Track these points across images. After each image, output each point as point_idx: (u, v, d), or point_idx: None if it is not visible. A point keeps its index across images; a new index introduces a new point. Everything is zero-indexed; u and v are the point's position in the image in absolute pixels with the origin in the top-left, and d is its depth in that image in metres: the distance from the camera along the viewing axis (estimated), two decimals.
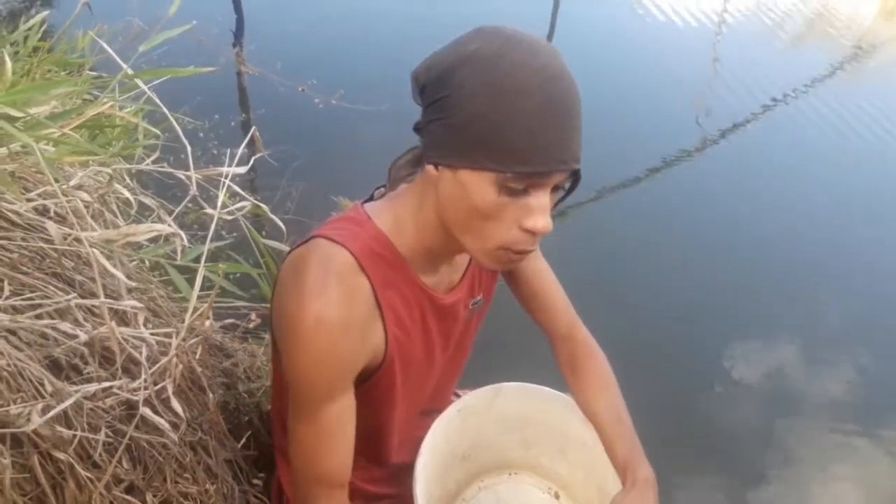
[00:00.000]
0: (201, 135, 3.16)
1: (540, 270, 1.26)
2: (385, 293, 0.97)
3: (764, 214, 3.71)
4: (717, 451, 2.46)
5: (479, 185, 0.83)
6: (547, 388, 1.25)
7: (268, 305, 1.87)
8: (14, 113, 1.02)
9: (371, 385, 1.04)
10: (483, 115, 0.81)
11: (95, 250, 0.85)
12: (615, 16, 6.35)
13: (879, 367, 2.86)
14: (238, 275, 1.62)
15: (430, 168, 0.89)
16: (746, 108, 4.75)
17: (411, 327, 1.04)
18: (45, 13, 1.95)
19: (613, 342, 1.33)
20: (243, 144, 1.21)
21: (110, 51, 1.30)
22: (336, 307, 0.89)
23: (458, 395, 1.34)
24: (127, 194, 1.43)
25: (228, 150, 1.23)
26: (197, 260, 1.09)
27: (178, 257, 1.11)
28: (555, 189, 0.87)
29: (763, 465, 2.43)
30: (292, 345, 0.91)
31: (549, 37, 5.57)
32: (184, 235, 1.11)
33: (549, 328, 1.28)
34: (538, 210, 0.84)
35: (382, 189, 1.07)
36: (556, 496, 1.29)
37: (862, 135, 4.67)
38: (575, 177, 0.88)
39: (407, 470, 1.11)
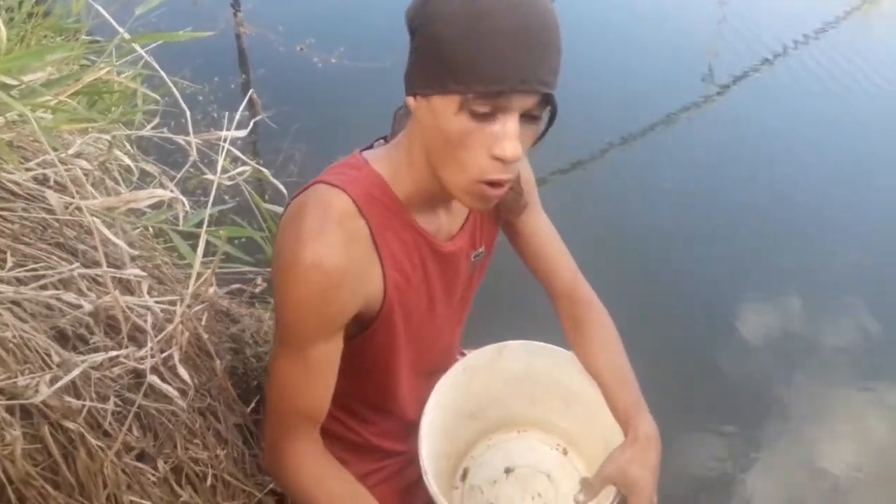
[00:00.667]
0: (200, 98, 3.13)
1: (542, 227, 1.26)
2: (384, 237, 0.97)
3: (775, 167, 3.65)
4: (722, 405, 2.46)
5: (447, 111, 0.84)
6: (550, 345, 1.25)
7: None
8: (9, 81, 1.01)
9: (373, 332, 1.04)
10: (449, 38, 0.82)
11: (96, 219, 0.85)
12: None
13: (887, 321, 2.85)
14: (243, 239, 1.61)
15: (409, 100, 0.90)
16: (756, 56, 4.65)
17: (411, 273, 1.03)
18: None
19: (618, 297, 1.33)
20: (241, 107, 1.20)
21: (106, 15, 1.28)
22: (334, 251, 0.90)
23: (463, 354, 1.35)
24: (128, 161, 1.41)
25: (227, 114, 1.22)
26: (199, 225, 1.08)
27: (181, 223, 1.10)
28: (529, 118, 0.86)
29: (768, 419, 2.43)
30: (286, 283, 0.92)
31: None
32: (185, 201, 1.10)
33: (550, 286, 1.28)
34: (505, 135, 0.83)
35: (382, 141, 1.07)
36: (565, 452, 1.30)
37: (874, 83, 4.57)
38: (550, 105, 0.87)
39: (418, 427, 1.12)
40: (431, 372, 1.23)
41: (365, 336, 1.04)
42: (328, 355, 0.98)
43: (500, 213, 1.17)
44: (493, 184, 0.88)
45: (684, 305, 2.80)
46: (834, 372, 2.63)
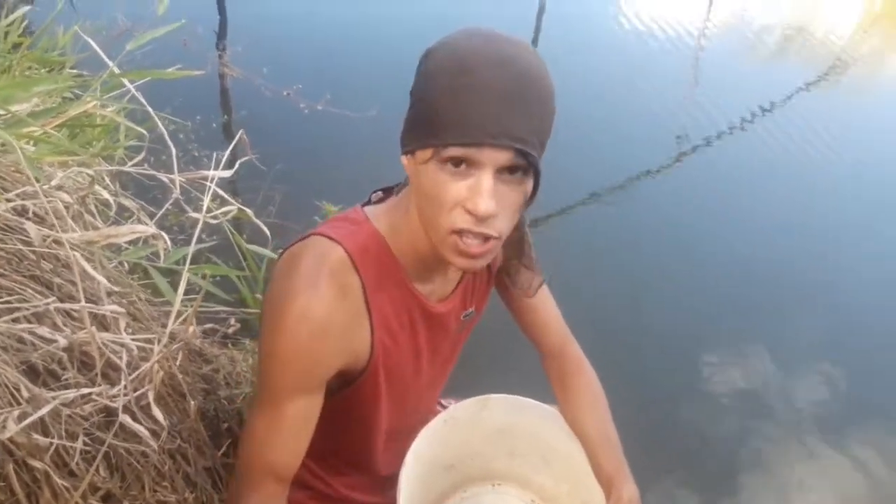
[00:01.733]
0: (182, 136, 3.12)
1: None
2: (375, 295, 0.96)
3: (742, 228, 3.74)
4: (694, 460, 2.46)
5: (426, 165, 0.85)
6: (534, 401, 1.24)
7: (248, 310, 1.85)
8: None
9: (355, 389, 1.03)
10: (434, 94, 0.83)
11: (76, 252, 0.83)
12: (599, 27, 6.40)
13: (851, 378, 2.88)
14: (218, 278, 1.59)
15: (402, 159, 0.91)
16: (727, 121, 4.79)
17: (399, 332, 1.02)
18: (25, 9, 1.92)
19: (591, 355, 1.33)
20: (231, 147, 1.20)
21: (96, 47, 1.28)
22: (324, 303, 0.89)
23: (443, 406, 1.33)
24: (107, 196, 1.40)
25: (214, 154, 1.21)
26: (180, 262, 1.07)
27: (161, 259, 1.08)
28: (511, 179, 0.84)
29: (738, 475, 2.44)
30: (273, 332, 0.90)
31: (535, 40, 5.62)
32: (167, 237, 1.09)
33: (540, 343, 1.28)
34: (478, 191, 0.82)
35: (380, 193, 1.07)
36: None
37: (838, 149, 4.72)
38: (532, 166, 0.85)
39: (392, 479, 1.10)
40: (410, 432, 1.22)
41: (347, 392, 1.03)
42: (306, 411, 0.96)
43: (493, 272, 1.18)
44: (465, 234, 0.86)
45: (652, 360, 2.81)
46: (799, 428, 2.65)
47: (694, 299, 3.21)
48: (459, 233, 0.86)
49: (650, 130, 4.55)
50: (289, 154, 3.22)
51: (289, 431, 0.96)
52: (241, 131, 1.33)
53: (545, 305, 1.26)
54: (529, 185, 0.87)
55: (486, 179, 0.82)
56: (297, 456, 0.99)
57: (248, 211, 1.35)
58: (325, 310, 0.89)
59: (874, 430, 2.66)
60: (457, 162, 0.82)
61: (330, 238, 0.94)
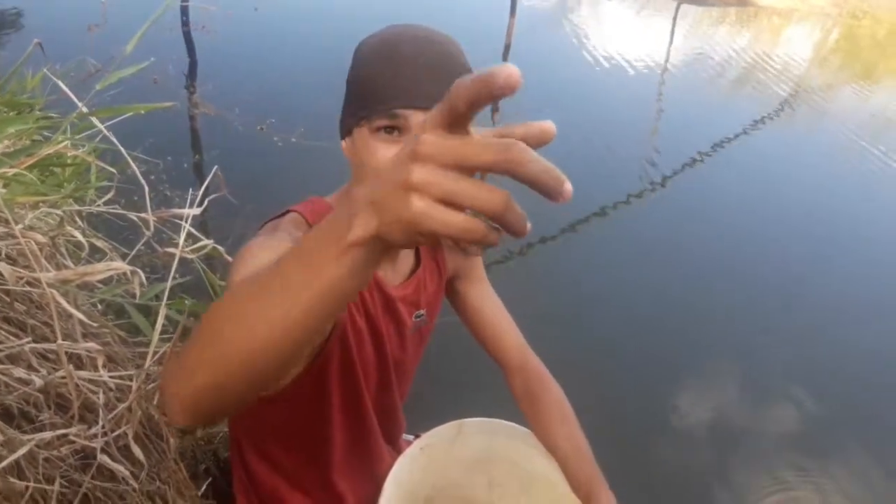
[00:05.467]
0: (153, 177, 3.11)
1: (487, 297, 1.28)
2: None
3: (709, 257, 3.79)
4: (665, 491, 2.46)
5: (361, 138, 0.91)
6: (509, 423, 1.24)
7: None
8: None
9: (312, 370, 0.97)
10: (361, 74, 0.91)
11: (54, 290, 0.83)
12: (565, 62, 6.53)
13: (824, 406, 2.91)
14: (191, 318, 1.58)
15: (342, 144, 0.97)
16: (689, 152, 4.89)
17: (354, 310, 1.02)
18: None
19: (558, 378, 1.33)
20: (205, 185, 1.20)
21: (65, 88, 1.28)
22: (283, 239, 0.88)
23: (417, 436, 1.33)
24: (79, 236, 1.39)
25: (189, 192, 1.21)
26: (156, 298, 1.06)
27: (137, 296, 1.08)
28: None
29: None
30: (235, 260, 0.86)
31: None
32: (142, 275, 1.08)
33: (500, 358, 1.29)
34: None
35: None
36: None
37: (796, 178, 4.85)
38: None
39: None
40: (388, 436, 1.21)
41: (322, 367, 0.99)
42: None
43: (443, 276, 1.19)
44: None
45: (622, 390, 2.81)
46: (770, 457, 2.65)
47: (663, 328, 3.23)
48: None
49: (617, 162, 4.63)
50: (262, 190, 3.21)
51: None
52: (215, 167, 1.33)
53: (501, 319, 1.28)
54: None
55: None
56: None
57: (220, 248, 1.35)
58: (284, 243, 0.86)
59: (849, 459, 2.67)
60: (389, 129, 0.88)
61: (282, 214, 0.99)
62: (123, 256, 1.72)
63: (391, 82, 0.87)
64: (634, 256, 3.72)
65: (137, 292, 1.02)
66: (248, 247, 0.88)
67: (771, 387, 2.97)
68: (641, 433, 2.65)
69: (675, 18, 8.81)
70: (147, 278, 1.79)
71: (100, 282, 1.22)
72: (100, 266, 0.94)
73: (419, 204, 0.44)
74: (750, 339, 3.23)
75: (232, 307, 0.56)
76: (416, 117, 0.87)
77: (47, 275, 0.88)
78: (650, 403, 2.81)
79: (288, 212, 1.00)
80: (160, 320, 0.94)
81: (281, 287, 0.52)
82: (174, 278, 1.81)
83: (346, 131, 0.95)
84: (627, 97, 5.86)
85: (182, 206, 1.24)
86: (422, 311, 1.16)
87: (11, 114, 2.00)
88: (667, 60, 7.02)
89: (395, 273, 1.10)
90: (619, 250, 3.76)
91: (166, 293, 0.97)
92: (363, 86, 0.90)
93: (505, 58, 6.06)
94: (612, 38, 7.52)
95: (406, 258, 1.12)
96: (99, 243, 1.66)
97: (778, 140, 5.49)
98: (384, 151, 0.88)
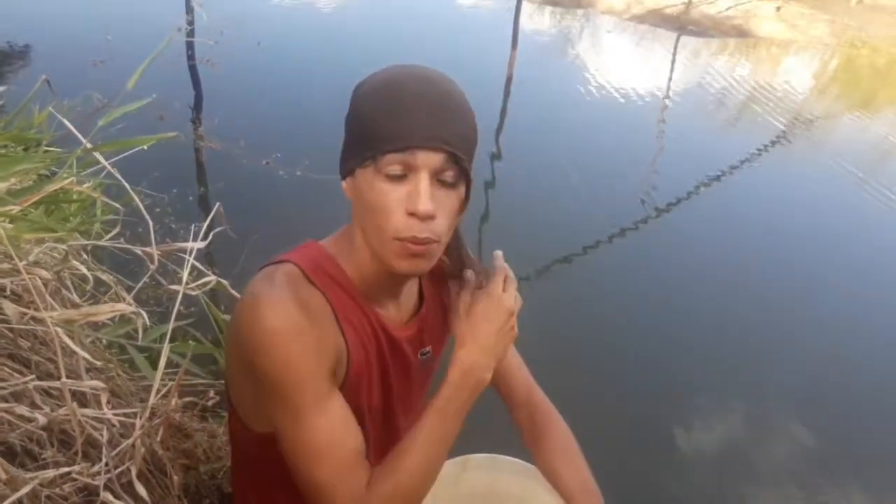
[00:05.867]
0: (158, 210, 3.11)
1: None
2: (339, 305, 0.96)
3: (712, 283, 3.80)
4: None
5: (366, 179, 0.90)
6: (514, 459, 1.23)
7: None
8: None
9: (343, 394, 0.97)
10: (365, 115, 0.90)
11: (58, 329, 0.83)
12: (567, 92, 6.59)
13: (834, 429, 2.90)
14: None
15: (342, 184, 0.95)
16: (690, 181, 4.92)
17: (368, 344, 1.00)
18: (1, 89, 1.94)
19: (564, 410, 1.33)
20: (208, 219, 1.21)
21: (69, 125, 1.30)
22: (287, 298, 0.89)
23: None
24: (84, 270, 1.40)
25: (193, 226, 1.23)
26: (159, 340, 1.07)
27: (140, 338, 1.08)
28: (445, 184, 0.90)
29: None
30: (260, 355, 0.88)
31: (502, 112, 5.77)
32: (145, 315, 1.09)
33: (505, 393, 1.27)
34: (417, 192, 0.88)
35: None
36: None
37: (799, 204, 4.86)
38: (464, 172, 0.91)
39: None
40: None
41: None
42: (343, 404, 0.93)
43: (447, 312, 1.18)
44: (413, 241, 0.89)
45: (625, 418, 2.80)
46: (775, 484, 2.64)
47: (668, 355, 3.22)
48: (402, 239, 0.90)
49: (618, 190, 4.66)
50: (267, 223, 3.23)
51: (347, 421, 0.93)
52: (217, 204, 1.34)
53: (507, 355, 1.26)
54: (463, 191, 0.93)
55: (423, 181, 0.88)
56: (359, 430, 0.95)
57: (225, 282, 1.35)
58: (288, 304, 0.88)
59: (859, 483, 2.66)
60: (395, 169, 0.88)
61: (277, 262, 0.95)
62: (128, 289, 1.72)
63: (398, 123, 0.88)
64: (637, 282, 3.73)
65: (140, 334, 1.02)
66: (286, 353, 0.88)
67: (778, 410, 2.98)
68: (647, 458, 2.63)
69: (675, 49, 8.90)
70: (153, 312, 1.80)
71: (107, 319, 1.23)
72: (105, 307, 0.95)
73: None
74: (754, 361, 3.23)
75: (429, 463, 0.96)
76: (423, 158, 0.88)
77: (51, 314, 0.89)
78: (656, 428, 2.80)
79: (282, 261, 0.96)
80: (162, 363, 0.94)
81: (449, 436, 0.96)
82: (179, 312, 1.82)
83: (347, 171, 0.94)
84: (628, 126, 5.91)
85: (187, 239, 1.24)
86: (427, 349, 1.15)
87: (19, 149, 2.03)
88: (667, 90, 7.08)
89: (400, 313, 1.08)
90: (619, 277, 3.78)
91: (168, 335, 0.97)
92: (368, 127, 0.90)
93: (507, 89, 6.13)
94: (613, 68, 7.60)
95: (410, 297, 1.11)
96: (104, 277, 1.67)
97: (776, 169, 5.52)
98: (392, 193, 0.88)
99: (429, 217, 0.88)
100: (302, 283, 0.94)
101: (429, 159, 0.88)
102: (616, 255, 3.99)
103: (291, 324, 0.88)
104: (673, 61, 8.37)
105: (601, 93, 6.57)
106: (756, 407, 2.98)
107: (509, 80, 6.18)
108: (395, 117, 0.87)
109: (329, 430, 0.91)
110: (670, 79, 7.52)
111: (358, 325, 0.99)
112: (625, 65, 8.12)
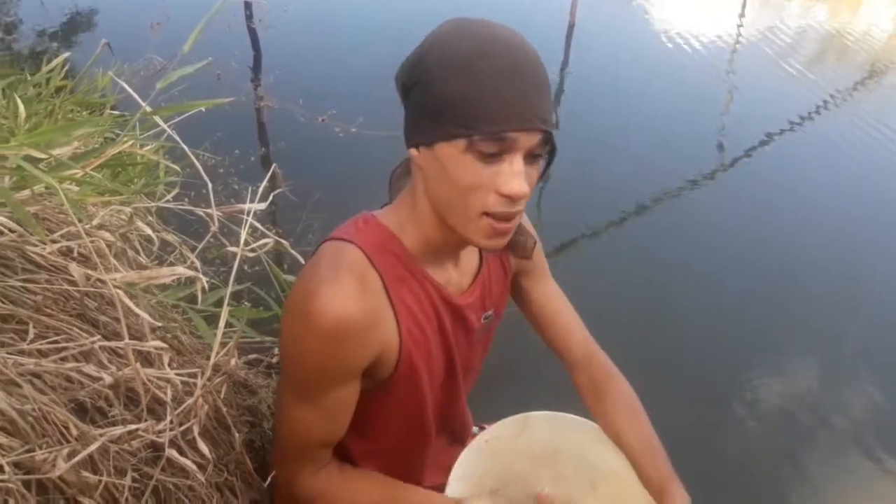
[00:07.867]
0: (221, 170, 3.18)
1: (552, 293, 1.25)
2: (395, 288, 0.97)
3: (785, 238, 3.66)
4: (737, 482, 2.40)
5: (454, 156, 0.86)
6: (576, 416, 1.22)
7: None
8: (37, 154, 1.02)
9: (393, 384, 1.02)
10: (450, 86, 0.85)
11: (120, 291, 0.85)
12: (632, 39, 6.38)
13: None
14: (260, 307, 1.61)
15: (413, 151, 0.92)
16: (765, 129, 4.72)
17: (426, 324, 1.02)
18: (66, 54, 1.98)
19: (628, 371, 1.31)
20: (265, 181, 1.21)
21: (129, 89, 1.31)
22: (348, 300, 0.90)
23: (481, 428, 1.32)
24: (149, 231, 1.42)
25: (249, 187, 1.23)
26: (218, 304, 1.08)
27: (199, 301, 1.10)
28: (532, 157, 0.88)
29: (784, 497, 2.36)
30: (301, 328, 0.91)
31: (565, 61, 5.62)
32: (204, 280, 1.10)
33: (565, 354, 1.26)
34: (512, 174, 0.86)
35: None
36: None
37: (880, 154, 4.62)
38: (550, 146, 0.89)
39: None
40: (453, 437, 1.20)
41: (386, 389, 1.02)
42: (344, 398, 0.98)
43: (508, 274, 1.17)
44: (500, 217, 0.89)
45: (691, 381, 2.75)
46: (844, 447, 2.56)
47: (737, 310, 3.14)
48: (491, 215, 0.88)
49: (687, 140, 4.51)
50: (326, 181, 3.27)
51: (329, 417, 0.99)
52: (273, 165, 1.34)
53: (565, 313, 1.26)
54: (542, 160, 0.91)
55: (518, 163, 0.86)
56: (341, 430, 1.02)
57: (285, 242, 1.36)
58: (349, 304, 0.90)
59: None
60: (490, 148, 0.85)
61: (341, 240, 0.97)
62: (192, 249, 1.75)
63: (495, 104, 0.83)
64: (704, 239, 3.62)
65: (199, 296, 1.04)
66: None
67: (846, 379, 2.87)
68: (710, 417, 2.59)
69: None
70: (218, 271, 1.84)
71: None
72: (165, 270, 0.97)
73: None
74: (826, 326, 3.11)
75: None
76: (522, 140, 0.85)
77: (114, 276, 0.90)
78: (719, 395, 2.74)
79: (344, 239, 0.98)
80: (221, 326, 0.96)
81: None
82: (242, 271, 1.85)
83: (423, 141, 0.90)
84: (697, 73, 5.69)
85: (250, 201, 1.25)
86: (489, 312, 1.15)
87: (84, 113, 2.07)
88: (738, 35, 6.78)
89: (461, 277, 1.08)
90: (687, 232, 3.68)
91: (227, 299, 0.98)
92: (457, 103, 0.84)
93: (569, 37, 5.96)
94: (680, 12, 7.30)
95: (470, 260, 1.10)
96: (169, 237, 1.70)
97: (855, 118, 5.24)
98: (484, 171, 0.86)
99: (523, 198, 0.87)
100: (364, 271, 0.94)
101: (527, 141, 0.86)
102: (684, 205, 3.89)
103: (338, 320, 0.90)
104: (744, 3, 7.98)
105: (668, 38, 6.33)
106: (829, 370, 2.90)
107: (571, 27, 5.99)
108: (491, 96, 0.83)
109: (303, 419, 0.98)
110: (741, 22, 7.18)
111: (415, 303, 1.00)
112: (692, 8, 7.78)
